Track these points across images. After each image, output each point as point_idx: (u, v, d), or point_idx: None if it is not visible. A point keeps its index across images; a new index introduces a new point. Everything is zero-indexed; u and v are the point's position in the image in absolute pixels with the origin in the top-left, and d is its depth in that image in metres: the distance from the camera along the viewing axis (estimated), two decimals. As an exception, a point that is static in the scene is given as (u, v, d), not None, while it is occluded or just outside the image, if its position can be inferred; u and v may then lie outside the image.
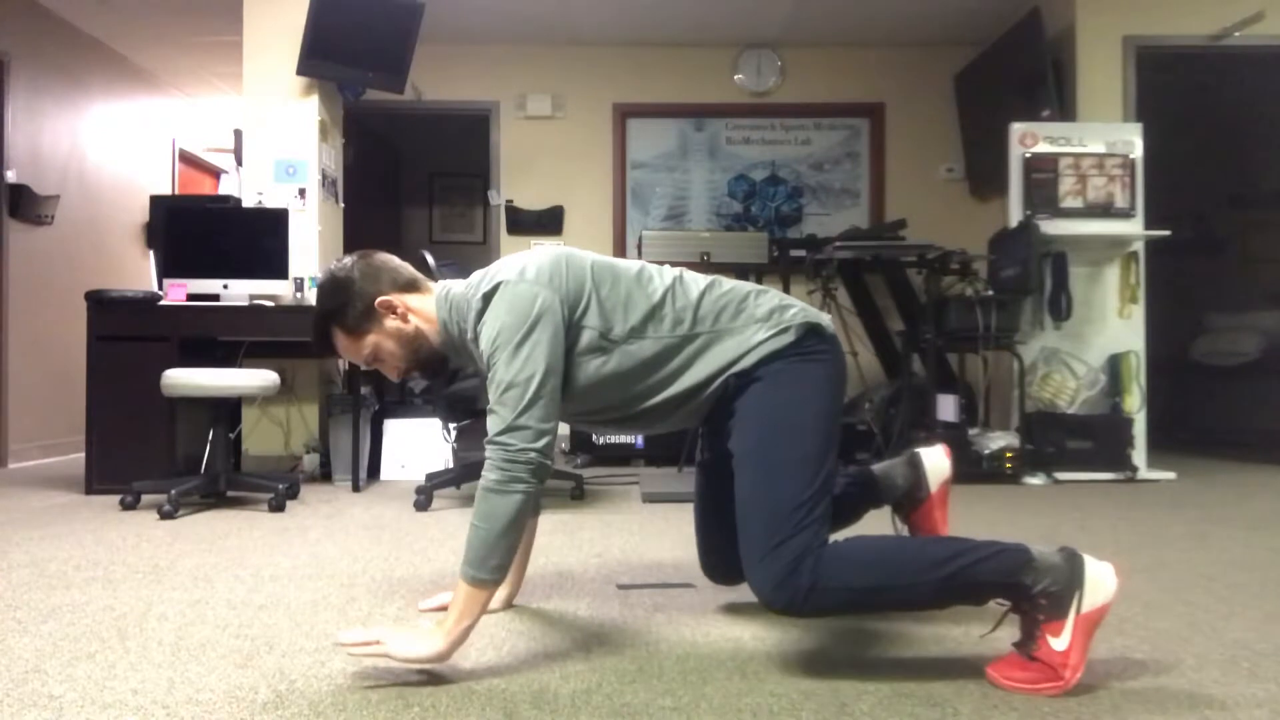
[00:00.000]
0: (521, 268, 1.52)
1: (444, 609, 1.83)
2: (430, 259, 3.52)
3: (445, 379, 3.37)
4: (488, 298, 1.51)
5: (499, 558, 1.43)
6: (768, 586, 1.41)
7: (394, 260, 1.69)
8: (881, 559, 1.43)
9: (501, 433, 1.44)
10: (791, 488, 1.44)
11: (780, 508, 1.43)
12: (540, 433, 1.44)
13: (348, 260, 1.66)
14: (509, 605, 1.89)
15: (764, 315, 1.58)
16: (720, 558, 1.79)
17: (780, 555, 1.39)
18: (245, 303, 3.80)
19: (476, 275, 1.60)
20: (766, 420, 1.52)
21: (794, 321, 1.57)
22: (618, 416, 1.63)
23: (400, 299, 1.63)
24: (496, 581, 1.44)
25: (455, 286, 1.65)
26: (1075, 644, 1.34)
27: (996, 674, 1.40)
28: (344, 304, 1.61)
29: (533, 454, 1.43)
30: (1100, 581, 1.37)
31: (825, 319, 1.62)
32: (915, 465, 1.86)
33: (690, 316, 1.57)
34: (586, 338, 1.53)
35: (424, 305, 1.65)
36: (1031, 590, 1.36)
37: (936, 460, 1.86)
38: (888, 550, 1.46)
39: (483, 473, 1.45)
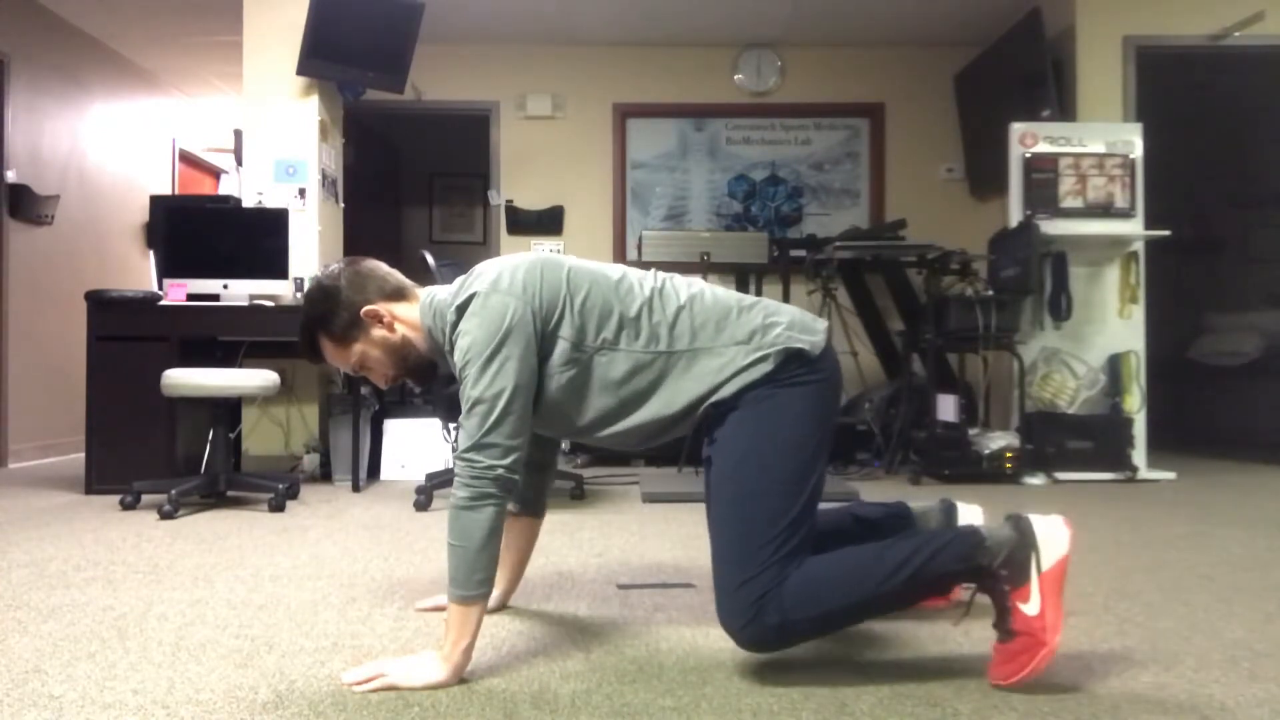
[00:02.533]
0: (496, 276, 1.49)
1: (441, 609, 1.84)
2: (430, 259, 3.52)
3: (444, 380, 3.37)
4: (461, 310, 1.49)
5: (482, 572, 1.42)
6: (735, 626, 1.40)
7: (382, 268, 1.67)
8: (842, 577, 1.41)
9: (469, 449, 1.43)
10: (759, 524, 1.41)
11: (747, 545, 1.41)
12: (508, 449, 1.44)
13: (335, 268, 1.65)
14: (504, 605, 1.89)
15: (744, 337, 1.51)
16: None
17: (745, 594, 1.38)
18: (245, 303, 3.80)
19: (458, 281, 1.58)
20: (739, 453, 1.48)
21: (774, 347, 1.49)
22: (598, 436, 1.58)
23: (387, 308, 1.62)
24: (485, 595, 1.44)
25: (440, 293, 1.63)
26: (1047, 604, 1.36)
27: (995, 675, 1.40)
28: (330, 313, 1.61)
29: (500, 470, 1.43)
30: (1052, 536, 1.39)
31: (814, 336, 1.53)
32: (950, 518, 1.86)
33: (666, 334, 1.51)
34: (560, 349, 1.50)
35: (410, 313, 1.64)
36: (991, 567, 1.39)
37: (971, 519, 1.85)
38: (847, 567, 1.43)
39: (453, 490, 1.45)
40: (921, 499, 1.91)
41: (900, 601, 1.45)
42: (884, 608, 1.47)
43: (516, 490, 1.47)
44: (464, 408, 1.45)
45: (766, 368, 1.49)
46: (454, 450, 1.54)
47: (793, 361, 1.50)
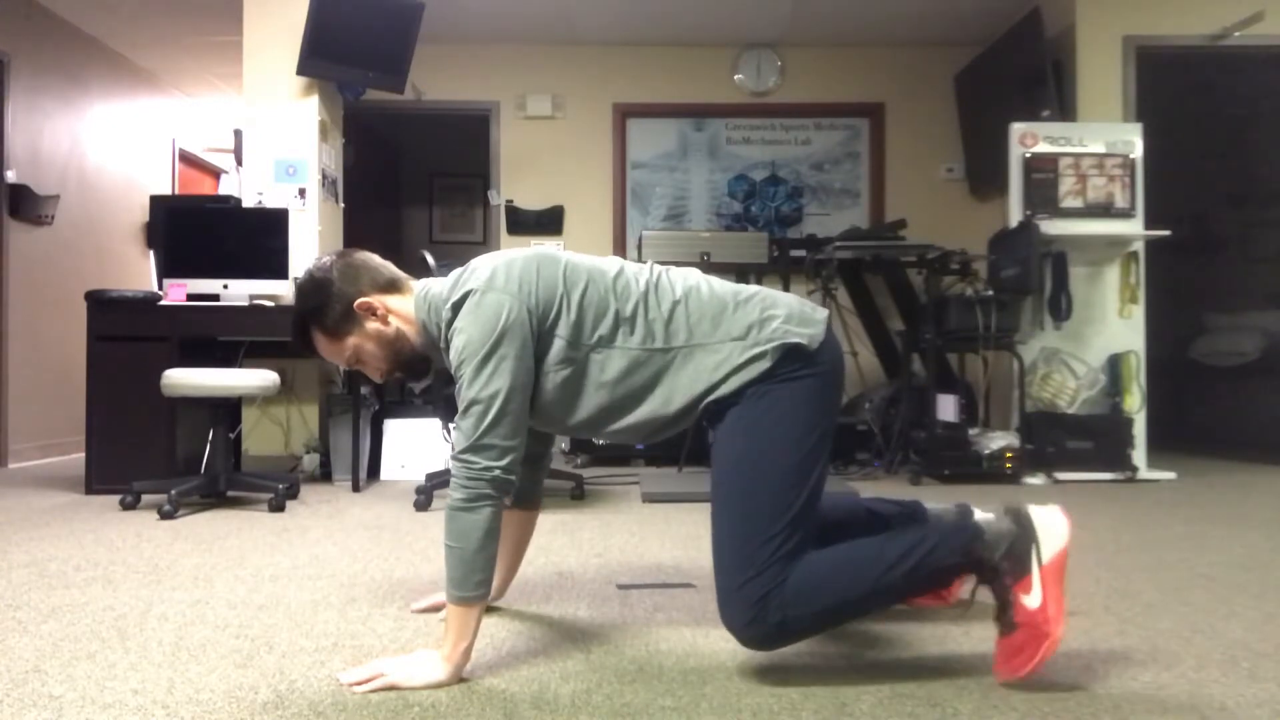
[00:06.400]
0: (491, 273, 1.48)
1: (436, 608, 1.84)
2: (430, 259, 3.52)
3: (443, 379, 3.37)
4: (456, 307, 1.47)
5: (480, 573, 1.42)
6: (738, 625, 1.40)
7: (374, 260, 1.65)
8: (842, 573, 1.41)
9: (465, 450, 1.42)
10: (759, 522, 1.40)
11: (747, 544, 1.40)
12: (504, 450, 1.43)
13: (326, 260, 1.63)
14: (499, 596, 1.89)
15: (741, 332, 1.49)
16: None
17: (747, 594, 1.37)
18: (245, 303, 3.80)
19: (454, 275, 1.56)
20: (737, 451, 1.47)
21: (771, 343, 1.47)
22: (596, 434, 1.59)
23: (380, 300, 1.60)
24: (483, 595, 1.43)
25: (435, 286, 1.61)
26: (1049, 595, 1.37)
27: (1001, 671, 1.40)
28: (322, 305, 1.59)
29: (497, 471, 1.42)
30: (1051, 527, 1.40)
31: (812, 328, 1.51)
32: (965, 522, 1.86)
33: (661, 331, 1.50)
34: (556, 347, 1.49)
35: (404, 306, 1.62)
36: (991, 559, 1.40)
37: None
38: (846, 562, 1.43)
39: (450, 491, 1.45)
40: (923, 500, 1.91)
41: (900, 595, 1.46)
42: (885, 601, 1.47)
43: (513, 490, 1.46)
44: (460, 408, 1.44)
45: (764, 365, 1.47)
46: (452, 442, 1.53)
47: (790, 357, 1.48)
